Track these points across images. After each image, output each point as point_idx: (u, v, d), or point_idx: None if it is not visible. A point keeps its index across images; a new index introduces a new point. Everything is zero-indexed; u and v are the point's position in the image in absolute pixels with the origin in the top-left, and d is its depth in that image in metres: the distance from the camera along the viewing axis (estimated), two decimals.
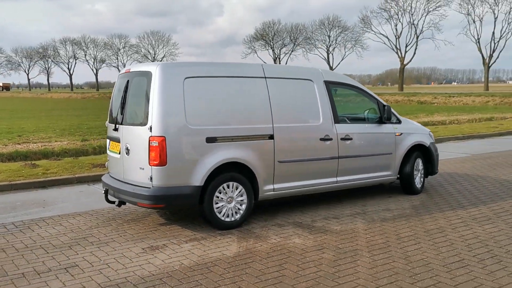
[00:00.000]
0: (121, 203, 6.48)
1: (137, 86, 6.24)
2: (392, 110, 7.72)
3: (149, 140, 5.78)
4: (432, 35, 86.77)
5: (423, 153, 8.14)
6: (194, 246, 5.54)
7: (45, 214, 7.18)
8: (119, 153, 6.41)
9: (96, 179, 9.73)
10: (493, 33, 74.60)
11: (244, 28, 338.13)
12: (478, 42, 75.54)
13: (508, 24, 73.94)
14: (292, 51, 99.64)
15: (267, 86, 6.59)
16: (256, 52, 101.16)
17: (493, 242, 5.47)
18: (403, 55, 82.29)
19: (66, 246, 5.62)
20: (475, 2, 74.80)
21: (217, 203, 6.07)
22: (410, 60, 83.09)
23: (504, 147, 14.32)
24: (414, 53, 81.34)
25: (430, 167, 8.27)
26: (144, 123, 5.89)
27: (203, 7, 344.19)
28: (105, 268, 4.89)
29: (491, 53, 75.13)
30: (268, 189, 6.48)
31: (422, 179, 8.12)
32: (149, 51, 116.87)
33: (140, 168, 5.93)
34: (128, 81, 6.37)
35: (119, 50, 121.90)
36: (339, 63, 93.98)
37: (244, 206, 6.26)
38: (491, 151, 13.34)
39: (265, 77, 6.62)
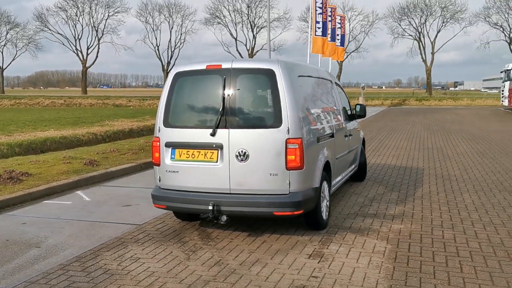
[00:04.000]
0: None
1: (251, 85, 5.64)
2: None
3: (286, 143, 5.40)
4: (112, 39, 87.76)
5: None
6: (343, 247, 5.54)
7: (66, 254, 5.50)
8: (217, 161, 5.59)
9: (20, 200, 7.92)
10: (170, 41, 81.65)
11: None
12: (158, 49, 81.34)
13: (181, 35, 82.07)
14: None
15: (319, 85, 6.87)
16: None
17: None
18: (85, 58, 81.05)
19: (229, 272, 4.78)
20: (153, 12, 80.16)
21: (321, 203, 6.10)
22: (93, 63, 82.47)
23: None
24: (97, 56, 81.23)
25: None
26: (274, 125, 5.44)
27: None
28: (334, 279, 4.58)
29: (169, 60, 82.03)
30: (332, 185, 6.79)
31: None
32: None
33: (271, 174, 5.43)
34: (225, 78, 5.60)
35: None
36: (10, 63, 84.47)
37: (328, 204, 6.43)
38: None
39: (319, 77, 6.88)
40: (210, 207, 5.50)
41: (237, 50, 78.76)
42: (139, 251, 5.50)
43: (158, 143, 5.92)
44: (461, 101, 54.16)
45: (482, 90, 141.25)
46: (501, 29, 69.14)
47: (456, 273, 4.72)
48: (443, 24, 71.19)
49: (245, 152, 5.50)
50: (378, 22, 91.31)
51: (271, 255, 5.29)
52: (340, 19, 49.55)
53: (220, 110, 5.58)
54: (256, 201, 5.48)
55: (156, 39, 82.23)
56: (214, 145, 5.60)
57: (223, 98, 5.59)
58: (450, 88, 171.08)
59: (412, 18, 72.17)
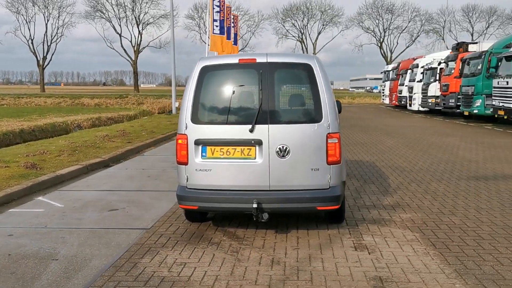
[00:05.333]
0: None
1: (288, 80, 5.54)
2: None
3: (327, 138, 5.42)
4: None
5: None
6: (377, 237, 5.71)
7: (96, 264, 5.02)
8: (255, 158, 5.43)
9: None
10: (45, 35, 76.00)
11: None
12: (32, 43, 75.30)
13: (57, 28, 76.80)
14: None
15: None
16: None
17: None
18: None
19: (294, 270, 4.69)
20: (26, 3, 74.00)
21: None
22: None
23: None
24: None
25: None
26: (315, 120, 5.43)
27: None
28: (399, 267, 4.73)
29: (45, 55, 76.39)
30: None
31: None
32: None
33: (313, 169, 5.42)
34: (261, 73, 5.43)
35: None
36: None
37: None
38: None
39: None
40: (255, 205, 5.33)
41: (121, 46, 76.11)
42: (177, 256, 5.16)
43: (185, 141, 5.58)
44: (343, 99, 57.76)
45: (350, 89, 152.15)
46: (373, 33, 75.28)
47: (498, 254, 5.13)
48: (323, 26, 75.48)
49: (286, 148, 5.42)
50: (264, 23, 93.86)
51: (318, 250, 5.28)
52: (233, 18, 50.47)
53: (258, 105, 5.44)
54: (299, 196, 5.43)
55: (29, 31, 76.14)
56: (252, 141, 5.44)
57: (260, 93, 5.45)
58: None
59: (296, 20, 75.43)
